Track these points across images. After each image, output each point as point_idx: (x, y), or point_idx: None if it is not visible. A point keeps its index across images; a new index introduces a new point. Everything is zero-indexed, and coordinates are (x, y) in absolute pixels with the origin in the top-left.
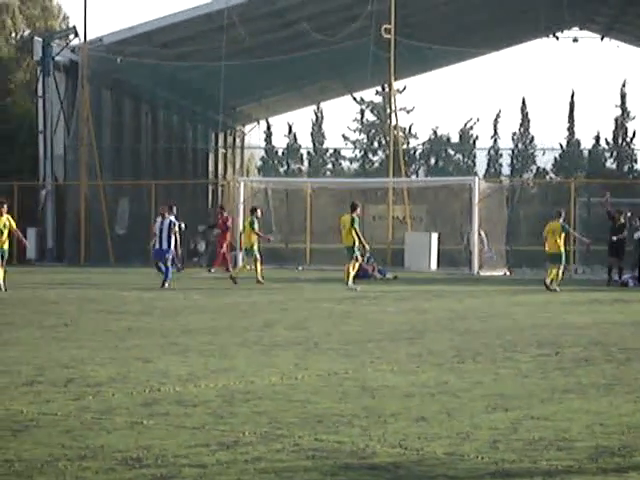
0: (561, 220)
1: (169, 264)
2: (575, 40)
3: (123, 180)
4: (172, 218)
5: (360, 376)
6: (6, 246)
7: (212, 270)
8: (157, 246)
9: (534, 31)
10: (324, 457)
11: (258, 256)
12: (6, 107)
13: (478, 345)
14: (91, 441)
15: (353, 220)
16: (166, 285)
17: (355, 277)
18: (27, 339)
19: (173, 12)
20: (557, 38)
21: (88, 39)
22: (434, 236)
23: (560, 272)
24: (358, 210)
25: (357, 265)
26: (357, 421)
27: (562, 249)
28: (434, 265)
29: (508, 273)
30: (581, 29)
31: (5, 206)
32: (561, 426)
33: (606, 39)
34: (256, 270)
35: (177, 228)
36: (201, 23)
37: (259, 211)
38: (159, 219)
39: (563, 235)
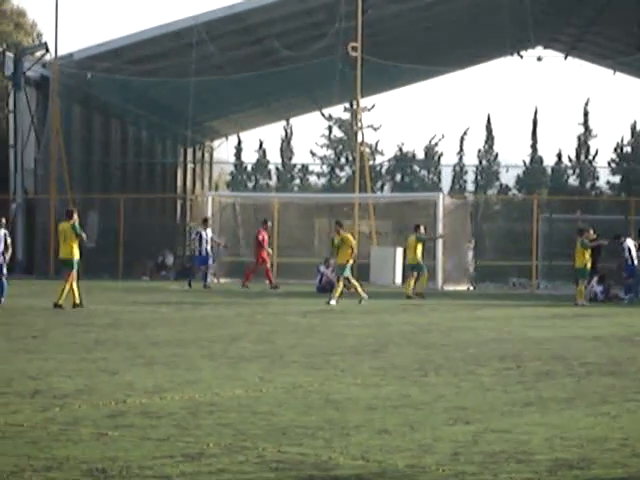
0: (583, 238)
1: (209, 271)
2: (539, 59)
3: (93, 194)
4: (209, 232)
5: (324, 389)
6: None
7: (247, 285)
8: (197, 254)
9: (499, 50)
10: (287, 469)
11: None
12: None
13: (441, 358)
14: (57, 452)
15: (418, 238)
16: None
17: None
18: None
19: (143, 29)
20: (521, 57)
21: (59, 54)
22: (399, 251)
23: (583, 287)
24: (422, 229)
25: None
26: (320, 433)
27: (587, 264)
28: (399, 279)
29: (472, 288)
30: (545, 48)
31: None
32: (521, 439)
33: (570, 58)
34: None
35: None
36: (171, 40)
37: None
38: (196, 232)
39: (589, 251)
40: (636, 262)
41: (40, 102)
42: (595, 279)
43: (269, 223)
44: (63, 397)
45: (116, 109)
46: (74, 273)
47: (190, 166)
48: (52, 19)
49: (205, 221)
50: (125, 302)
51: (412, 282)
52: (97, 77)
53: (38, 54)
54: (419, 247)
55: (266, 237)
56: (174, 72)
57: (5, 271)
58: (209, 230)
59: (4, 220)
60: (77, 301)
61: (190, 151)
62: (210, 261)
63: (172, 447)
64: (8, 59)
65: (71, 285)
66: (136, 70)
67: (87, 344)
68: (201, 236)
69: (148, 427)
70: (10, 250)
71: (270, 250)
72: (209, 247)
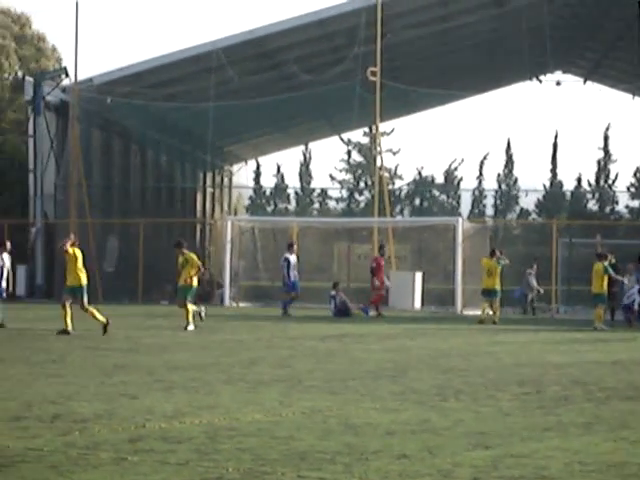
0: (606, 262)
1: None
2: (558, 83)
3: (112, 218)
4: (291, 256)
5: (343, 413)
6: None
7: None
8: (287, 280)
9: (518, 74)
10: None
11: None
12: None
13: (460, 383)
14: (77, 476)
15: (499, 263)
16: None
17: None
18: (16, 375)
19: (163, 54)
20: (540, 81)
21: (79, 79)
22: (418, 275)
23: (601, 311)
24: (498, 253)
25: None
26: (340, 458)
27: (604, 290)
28: (418, 304)
29: (491, 312)
30: (564, 72)
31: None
32: (541, 464)
33: (589, 82)
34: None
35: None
36: (190, 64)
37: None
38: (284, 258)
39: (606, 276)
40: None
41: (60, 127)
42: (637, 287)
43: (386, 249)
44: (83, 421)
45: (136, 134)
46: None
47: (209, 190)
48: (72, 44)
49: (291, 246)
50: (144, 326)
51: (487, 307)
52: (117, 102)
53: (58, 79)
54: (498, 272)
55: (382, 263)
56: (193, 97)
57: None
58: (294, 256)
59: (9, 244)
60: (69, 328)
61: (209, 175)
62: (297, 288)
63: (191, 472)
64: (28, 84)
65: (89, 310)
66: (156, 95)
67: (106, 368)
68: (289, 262)
69: (167, 452)
70: (9, 273)
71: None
72: (296, 272)
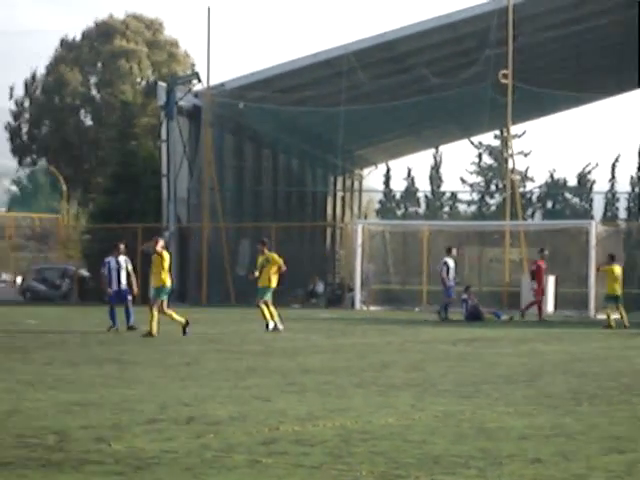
0: None
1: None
2: None
3: (244, 222)
4: (450, 260)
5: (476, 417)
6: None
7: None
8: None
9: None
10: None
11: None
12: (131, 151)
13: (594, 388)
14: (212, 479)
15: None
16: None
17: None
18: (150, 378)
19: (294, 58)
20: None
21: (211, 84)
22: (551, 279)
23: None
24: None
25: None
26: (473, 462)
27: None
28: (551, 307)
29: (617, 316)
30: None
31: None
32: None
33: None
34: None
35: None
36: (321, 68)
37: None
38: (444, 262)
39: None
40: None
41: (192, 131)
42: None
43: (546, 252)
44: (217, 424)
45: (267, 138)
46: (158, 301)
47: (340, 194)
48: (204, 49)
49: (449, 250)
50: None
51: (612, 312)
52: (248, 106)
53: (190, 84)
54: (619, 277)
55: (543, 266)
56: (324, 101)
57: (130, 297)
58: (452, 260)
59: (123, 246)
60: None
61: (340, 179)
62: (452, 293)
63: (325, 475)
64: (161, 89)
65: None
66: (287, 99)
67: (240, 371)
68: (448, 266)
69: (301, 454)
70: (133, 276)
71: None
72: (454, 276)
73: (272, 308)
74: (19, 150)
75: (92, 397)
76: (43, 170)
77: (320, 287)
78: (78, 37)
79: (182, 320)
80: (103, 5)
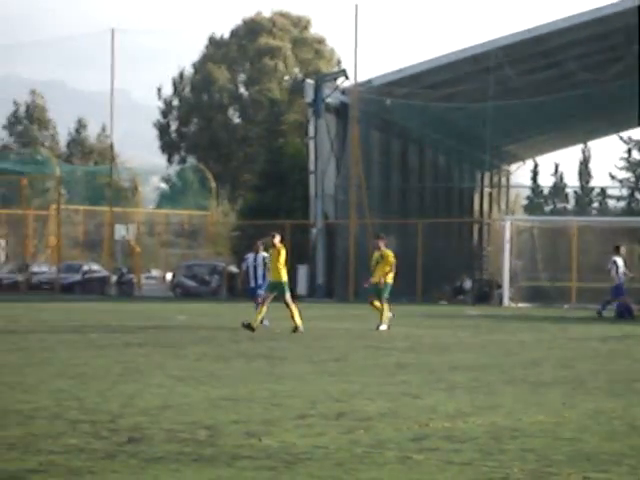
0: None
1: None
2: None
3: (390, 219)
4: (618, 258)
5: (628, 415)
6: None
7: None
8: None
9: None
10: None
11: None
12: (279, 148)
13: None
14: (362, 475)
15: None
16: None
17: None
18: (299, 373)
19: (440, 54)
20: None
21: (358, 81)
22: None
23: None
24: None
25: None
26: (626, 460)
27: None
28: None
29: None
30: None
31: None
32: None
33: None
34: None
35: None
36: (468, 64)
37: None
38: (612, 260)
39: None
40: None
41: (339, 128)
42: None
43: None
44: (367, 420)
45: (414, 134)
46: (271, 295)
47: (487, 190)
48: (351, 46)
49: (618, 249)
50: (424, 326)
51: None
52: (395, 103)
53: (338, 81)
54: None
55: None
56: (471, 96)
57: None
58: (620, 258)
59: (260, 244)
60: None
61: (487, 175)
62: (622, 291)
63: (476, 471)
64: (308, 86)
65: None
66: (434, 95)
67: (388, 367)
68: (617, 264)
69: (451, 451)
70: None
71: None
72: (623, 273)
73: (382, 305)
74: (168, 148)
75: (242, 392)
76: (192, 167)
77: (467, 284)
78: (226, 35)
79: (299, 323)
80: (251, 3)
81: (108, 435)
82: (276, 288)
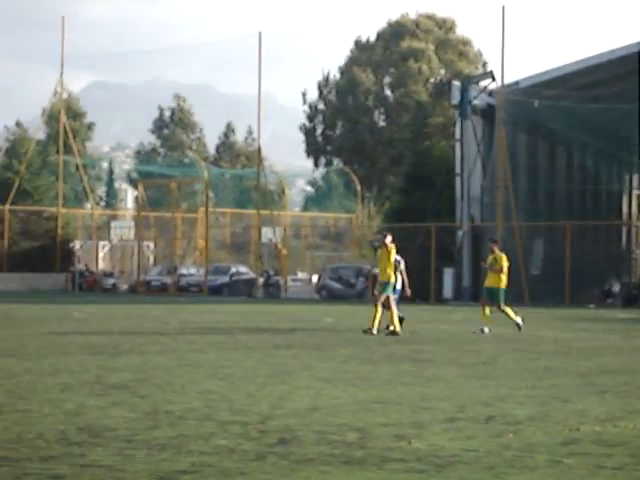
0: None
1: None
2: None
3: (537, 221)
4: None
5: None
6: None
7: None
8: None
9: None
10: None
11: None
12: (425, 150)
13: None
14: (513, 478)
15: None
16: None
17: None
18: (447, 376)
19: (588, 56)
20: None
21: (505, 83)
22: None
23: None
24: None
25: None
26: None
27: None
28: None
29: None
30: None
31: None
32: None
33: None
34: None
35: None
36: (617, 65)
37: None
38: None
39: None
40: None
41: (486, 130)
42: None
43: None
44: (516, 423)
45: (561, 136)
46: (384, 296)
47: (635, 192)
48: (498, 47)
49: None
50: (572, 329)
51: None
52: (543, 104)
53: (484, 83)
54: None
55: None
56: (620, 98)
57: (395, 296)
58: None
59: (375, 243)
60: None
61: (636, 177)
62: None
63: (628, 476)
64: (455, 88)
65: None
66: (582, 97)
67: (537, 371)
68: None
69: (603, 455)
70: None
71: None
72: None
73: (507, 309)
74: (314, 151)
75: (391, 395)
76: (337, 170)
77: (616, 287)
78: (372, 38)
79: (394, 324)
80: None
81: (258, 436)
82: (385, 289)
